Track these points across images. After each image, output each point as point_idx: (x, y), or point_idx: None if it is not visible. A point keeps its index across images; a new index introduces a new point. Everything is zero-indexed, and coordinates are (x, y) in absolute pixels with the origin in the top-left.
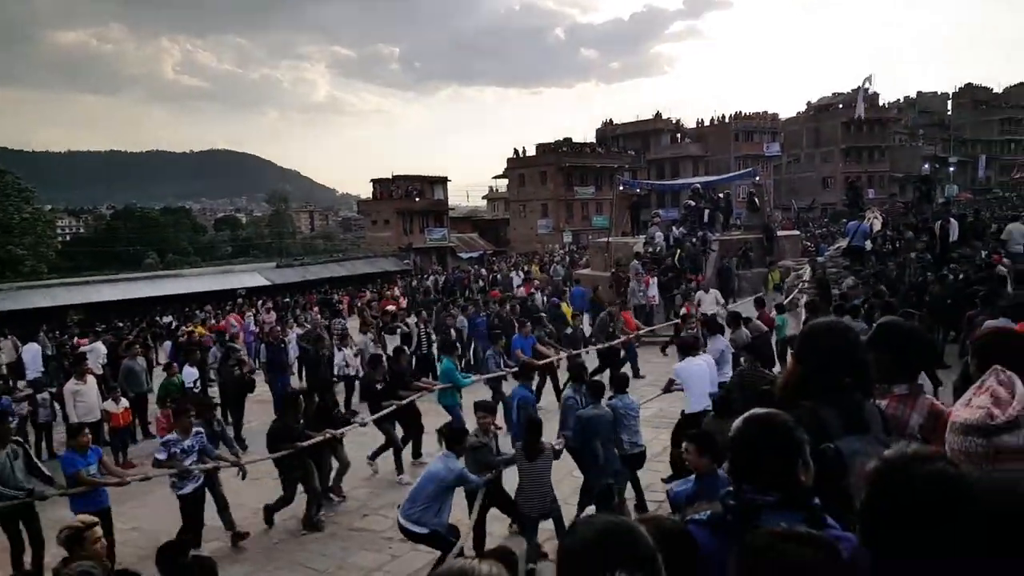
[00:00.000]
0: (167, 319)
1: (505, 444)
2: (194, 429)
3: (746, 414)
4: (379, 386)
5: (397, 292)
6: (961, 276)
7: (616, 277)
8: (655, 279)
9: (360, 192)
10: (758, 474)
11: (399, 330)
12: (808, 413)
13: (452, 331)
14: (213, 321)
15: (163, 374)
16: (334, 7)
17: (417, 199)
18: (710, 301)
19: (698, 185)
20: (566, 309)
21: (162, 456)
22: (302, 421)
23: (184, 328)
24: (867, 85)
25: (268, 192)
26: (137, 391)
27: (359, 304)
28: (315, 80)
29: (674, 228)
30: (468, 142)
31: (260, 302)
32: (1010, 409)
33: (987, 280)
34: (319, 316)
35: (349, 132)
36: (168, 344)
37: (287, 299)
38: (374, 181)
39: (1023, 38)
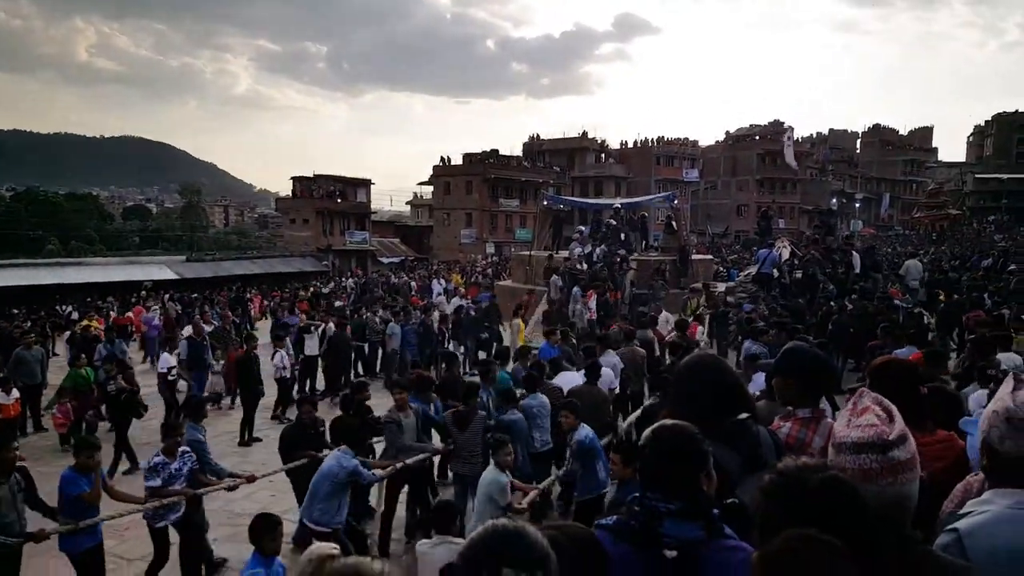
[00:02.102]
0: (67, 309)
1: None
2: (181, 449)
3: (655, 425)
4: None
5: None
6: (864, 307)
7: (547, 313)
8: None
9: (279, 189)
10: (664, 483)
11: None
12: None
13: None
14: (114, 313)
15: (66, 366)
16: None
17: (339, 200)
18: (663, 321)
19: (619, 205)
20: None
21: (156, 483)
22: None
23: (79, 323)
24: (789, 135)
25: (181, 183)
26: (29, 382)
27: (271, 304)
28: (237, 73)
29: (595, 247)
30: (394, 147)
31: (166, 296)
32: (895, 426)
33: (886, 311)
34: (229, 314)
35: (270, 128)
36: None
37: (195, 294)
38: (294, 179)
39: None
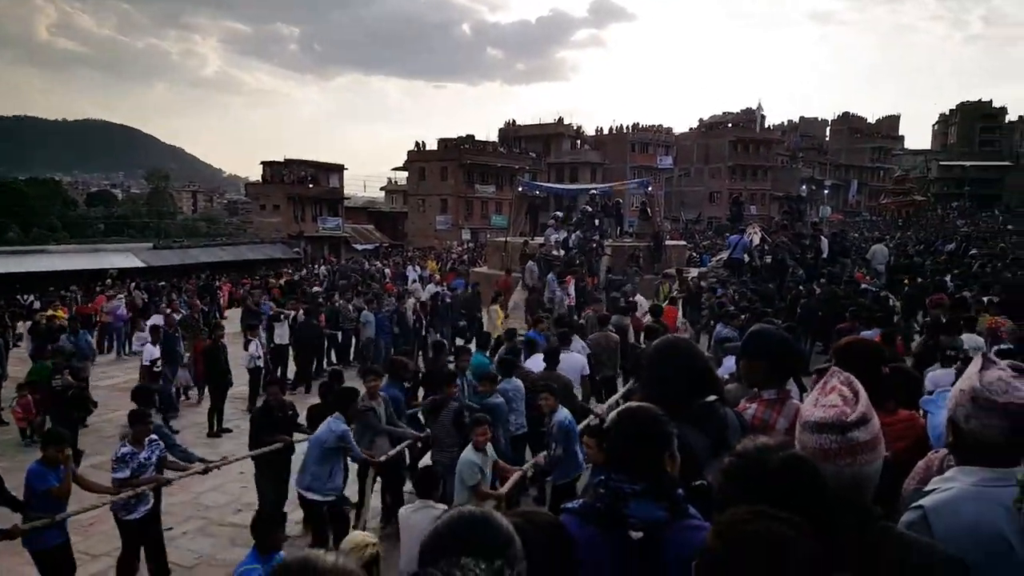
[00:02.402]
0: (29, 299)
1: None
2: (148, 439)
3: (621, 408)
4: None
5: (283, 282)
6: (832, 291)
7: (530, 301)
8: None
9: (249, 174)
10: (628, 464)
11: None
12: (677, 440)
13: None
14: (78, 303)
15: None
16: None
17: (311, 185)
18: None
19: (595, 191)
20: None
21: (125, 474)
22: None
23: (42, 313)
24: (762, 111)
25: (148, 168)
26: None
27: (242, 292)
28: (206, 54)
29: (571, 233)
30: (367, 131)
31: (132, 284)
32: (858, 407)
33: (853, 295)
34: (197, 302)
35: (240, 111)
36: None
37: (162, 283)
38: (264, 164)
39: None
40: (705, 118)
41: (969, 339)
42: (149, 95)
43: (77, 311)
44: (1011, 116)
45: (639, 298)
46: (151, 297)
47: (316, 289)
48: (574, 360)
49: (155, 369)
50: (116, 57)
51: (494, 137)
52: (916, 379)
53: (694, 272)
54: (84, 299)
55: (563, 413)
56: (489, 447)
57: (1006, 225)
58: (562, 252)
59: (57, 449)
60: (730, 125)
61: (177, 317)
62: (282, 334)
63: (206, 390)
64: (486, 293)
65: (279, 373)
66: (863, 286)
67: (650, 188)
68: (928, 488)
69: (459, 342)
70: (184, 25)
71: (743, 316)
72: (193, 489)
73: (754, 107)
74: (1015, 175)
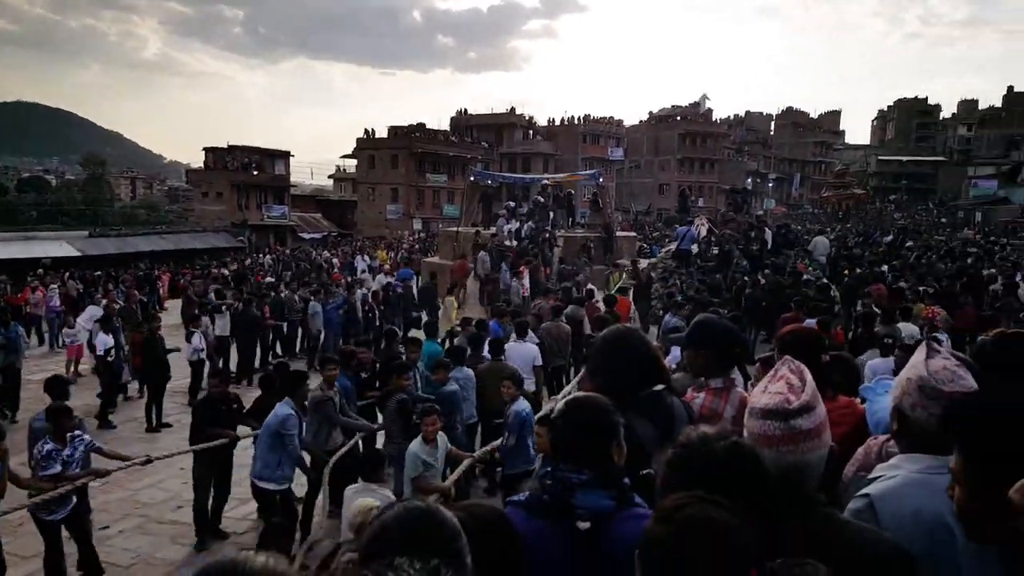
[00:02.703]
0: None
1: None
2: (71, 434)
3: (568, 397)
4: None
5: (226, 272)
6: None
7: (488, 291)
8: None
9: (191, 160)
10: (575, 454)
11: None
12: (625, 431)
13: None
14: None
15: None
16: None
17: (256, 172)
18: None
19: (547, 182)
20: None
21: (56, 470)
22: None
23: None
24: (707, 102)
25: (84, 153)
26: None
27: (182, 283)
28: (145, 36)
29: (523, 223)
30: (315, 117)
31: (66, 274)
32: (803, 395)
33: (797, 285)
34: (135, 293)
35: (182, 95)
36: None
37: (98, 272)
38: (207, 150)
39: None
40: (655, 111)
41: (905, 328)
42: (85, 77)
43: (7, 302)
44: (945, 113)
45: (591, 287)
46: (87, 288)
47: (270, 279)
48: (525, 350)
49: (109, 359)
50: (49, 37)
51: (446, 126)
52: (855, 367)
53: (644, 263)
54: (14, 289)
55: (522, 404)
56: (442, 437)
57: (940, 218)
58: (515, 242)
59: None
60: (679, 118)
61: (115, 307)
62: (223, 326)
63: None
64: (442, 283)
65: (221, 365)
66: (805, 277)
67: (601, 179)
68: (873, 475)
69: (413, 333)
70: (122, 5)
71: (688, 306)
72: (130, 486)
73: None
74: (948, 170)
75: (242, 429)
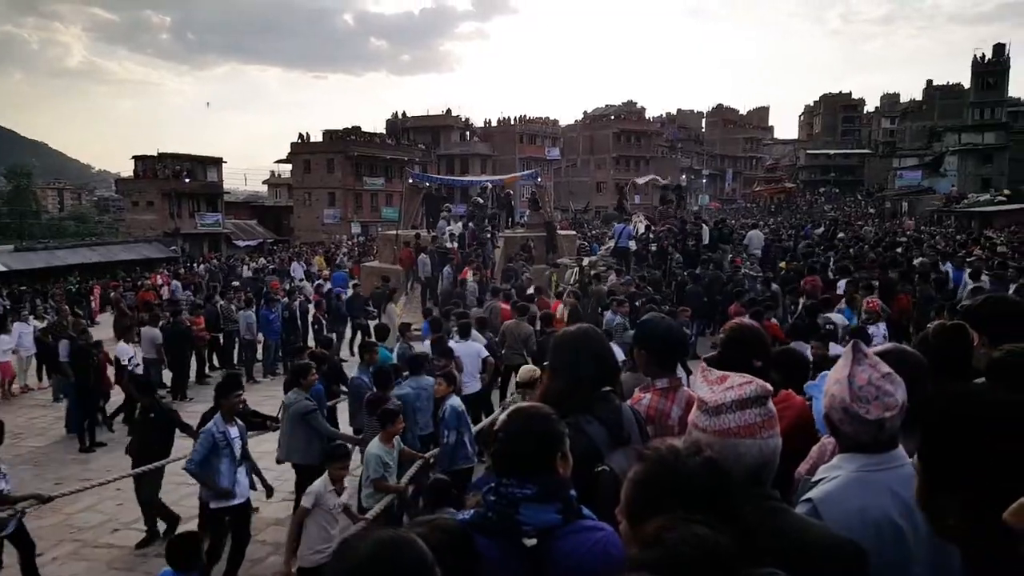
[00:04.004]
0: None
1: None
2: None
3: (511, 407)
4: None
5: (160, 281)
6: (717, 276)
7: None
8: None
9: (120, 170)
10: (518, 467)
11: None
12: (577, 432)
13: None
14: None
15: None
16: None
17: (187, 180)
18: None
19: (488, 184)
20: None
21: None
22: None
23: None
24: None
25: (7, 165)
26: None
27: (113, 295)
28: (69, 43)
29: (465, 225)
30: (247, 123)
31: None
32: (759, 380)
33: (736, 279)
34: (66, 307)
35: (109, 103)
36: None
37: (24, 287)
38: (136, 158)
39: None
40: (589, 110)
41: (836, 316)
42: (6, 86)
43: None
44: (869, 107)
45: (537, 286)
46: (14, 304)
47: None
48: (470, 348)
49: (130, 367)
50: None
51: (382, 129)
52: (800, 358)
53: (586, 261)
54: None
55: (455, 399)
56: (397, 440)
57: (868, 208)
58: (454, 244)
59: None
60: (613, 117)
61: (41, 324)
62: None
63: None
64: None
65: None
66: (742, 271)
67: (540, 179)
68: (816, 478)
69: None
70: (44, 12)
71: (629, 303)
72: (64, 510)
73: (636, 100)
74: (874, 162)
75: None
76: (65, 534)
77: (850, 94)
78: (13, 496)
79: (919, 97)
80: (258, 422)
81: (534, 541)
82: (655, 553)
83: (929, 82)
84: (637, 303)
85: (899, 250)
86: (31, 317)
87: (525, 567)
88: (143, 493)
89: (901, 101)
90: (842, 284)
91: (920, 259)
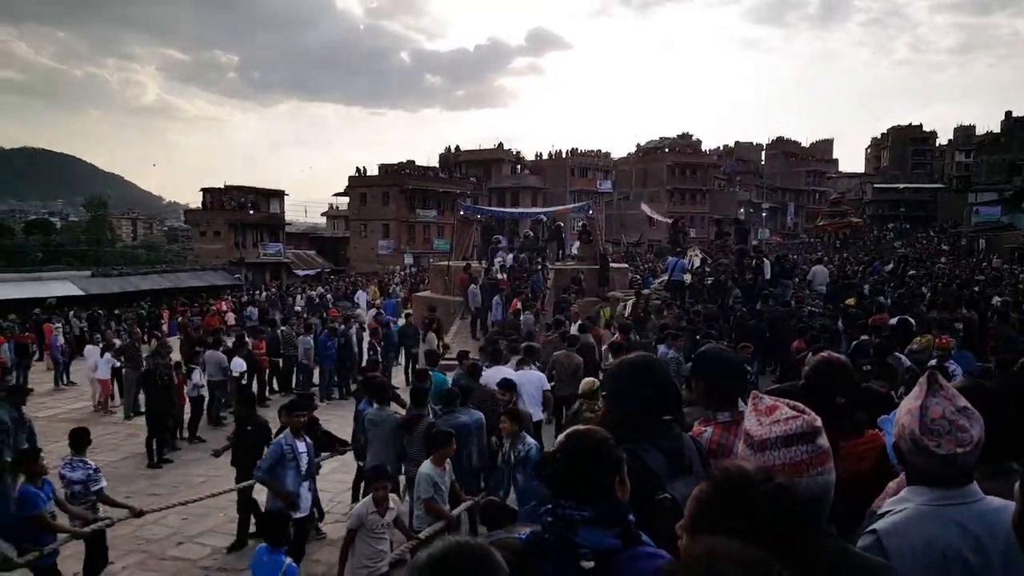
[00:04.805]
0: None
1: None
2: (61, 470)
3: (568, 430)
4: None
5: (224, 307)
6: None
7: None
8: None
9: (189, 201)
10: (577, 490)
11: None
12: (635, 460)
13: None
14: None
15: None
16: (164, 6)
17: (251, 211)
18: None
19: (543, 216)
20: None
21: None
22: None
23: None
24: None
25: (86, 196)
26: None
27: (180, 320)
28: (144, 82)
29: (515, 256)
30: (307, 158)
31: (71, 312)
32: (813, 414)
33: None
34: (138, 330)
35: (180, 139)
36: None
37: (100, 311)
38: (204, 190)
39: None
40: (642, 143)
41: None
42: (88, 123)
43: (16, 340)
44: (941, 140)
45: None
46: (90, 326)
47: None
48: (532, 377)
49: (243, 381)
50: (54, 85)
51: (435, 162)
52: (884, 398)
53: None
54: (22, 328)
55: (530, 441)
56: (448, 466)
57: (940, 245)
58: (504, 276)
59: (36, 464)
60: (668, 149)
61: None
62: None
63: None
64: (445, 317)
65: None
66: (808, 308)
67: (591, 212)
68: (882, 511)
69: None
70: (123, 53)
71: (683, 337)
72: (133, 522)
73: (691, 132)
74: (947, 197)
75: None
76: (133, 545)
77: (920, 126)
78: (112, 499)
79: (996, 129)
80: (327, 442)
81: (592, 564)
82: (698, 568)
83: (1008, 113)
84: (698, 336)
85: (976, 288)
86: (101, 342)
87: None
88: (241, 500)
89: (977, 133)
90: (894, 322)
91: (997, 298)
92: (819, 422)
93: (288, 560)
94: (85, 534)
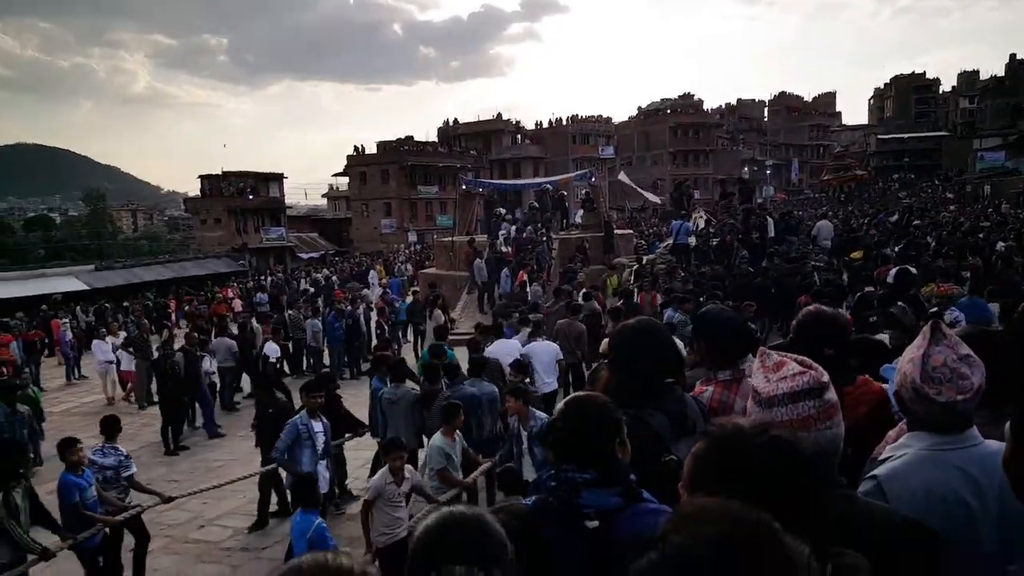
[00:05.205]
0: None
1: None
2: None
3: (568, 397)
4: None
5: (231, 295)
6: (782, 269)
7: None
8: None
9: (188, 190)
10: (578, 453)
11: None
12: (638, 423)
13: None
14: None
15: None
16: None
17: (251, 196)
18: None
19: (549, 186)
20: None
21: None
22: None
23: None
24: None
25: (84, 189)
26: None
27: (187, 309)
28: (134, 70)
29: (520, 229)
30: (305, 138)
31: (78, 307)
32: (820, 369)
33: (800, 271)
34: (146, 322)
35: (174, 126)
36: None
37: (107, 304)
38: (202, 177)
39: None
40: (643, 105)
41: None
42: (79, 115)
43: (25, 338)
44: (944, 86)
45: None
46: (97, 319)
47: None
48: (548, 347)
49: (277, 365)
50: (42, 79)
51: (433, 137)
52: (880, 345)
53: (645, 259)
54: (29, 326)
55: (541, 414)
56: (458, 435)
57: (945, 193)
58: (508, 248)
59: (73, 455)
60: (669, 111)
61: (119, 338)
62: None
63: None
64: (450, 294)
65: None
66: (811, 263)
67: (594, 179)
68: (883, 457)
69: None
70: (109, 41)
71: (691, 301)
72: (152, 508)
73: (693, 92)
74: (952, 144)
75: None
76: (156, 530)
77: (923, 74)
78: (142, 485)
79: (1001, 73)
80: (349, 423)
81: (596, 523)
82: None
83: (1012, 56)
84: (702, 298)
85: (980, 235)
86: (107, 334)
87: (587, 551)
88: (263, 481)
89: (981, 78)
90: (892, 272)
91: (1001, 244)
92: (826, 377)
93: (318, 520)
94: (116, 522)
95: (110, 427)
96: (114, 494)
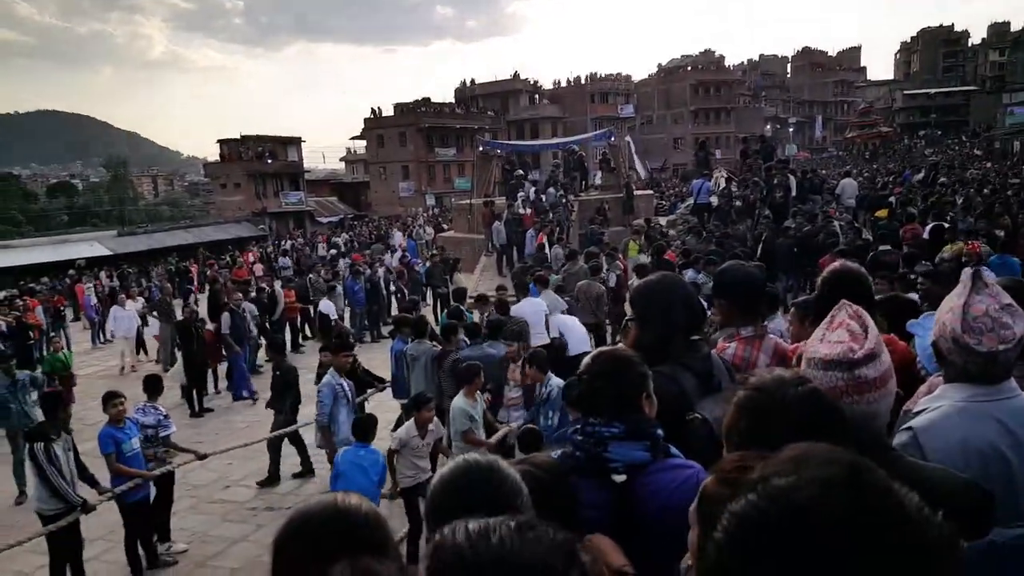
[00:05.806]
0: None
1: None
2: (134, 414)
3: (594, 351)
4: None
5: (252, 259)
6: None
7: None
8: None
9: (207, 154)
10: (604, 407)
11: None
12: (668, 381)
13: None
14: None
15: None
16: None
17: (269, 161)
18: None
19: (575, 146)
20: None
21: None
22: None
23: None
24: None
25: (105, 156)
26: None
27: (209, 273)
28: (151, 35)
29: (539, 192)
30: (322, 101)
31: (103, 272)
32: (866, 343)
33: (823, 230)
34: (168, 286)
35: (192, 90)
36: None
37: (130, 269)
38: (221, 142)
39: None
40: (664, 63)
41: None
42: (99, 81)
43: (52, 304)
44: (974, 39)
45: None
46: (121, 283)
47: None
48: (577, 323)
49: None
50: (61, 45)
51: (450, 98)
52: (911, 303)
53: (663, 220)
54: (52, 291)
55: (557, 380)
56: (480, 396)
57: (973, 150)
58: (528, 210)
59: (113, 407)
60: (690, 68)
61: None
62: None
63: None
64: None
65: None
66: (834, 222)
67: (613, 139)
68: (918, 408)
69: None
70: (126, 6)
71: (715, 263)
72: (179, 469)
73: (714, 49)
74: (981, 99)
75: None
76: (182, 491)
77: (952, 27)
78: (177, 445)
79: None
80: (368, 381)
81: (623, 477)
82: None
83: None
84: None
85: (1010, 193)
86: (127, 300)
87: (614, 504)
88: (271, 441)
89: (1012, 30)
90: (929, 227)
91: None
92: (865, 351)
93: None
94: (153, 476)
95: (152, 386)
96: (153, 452)
